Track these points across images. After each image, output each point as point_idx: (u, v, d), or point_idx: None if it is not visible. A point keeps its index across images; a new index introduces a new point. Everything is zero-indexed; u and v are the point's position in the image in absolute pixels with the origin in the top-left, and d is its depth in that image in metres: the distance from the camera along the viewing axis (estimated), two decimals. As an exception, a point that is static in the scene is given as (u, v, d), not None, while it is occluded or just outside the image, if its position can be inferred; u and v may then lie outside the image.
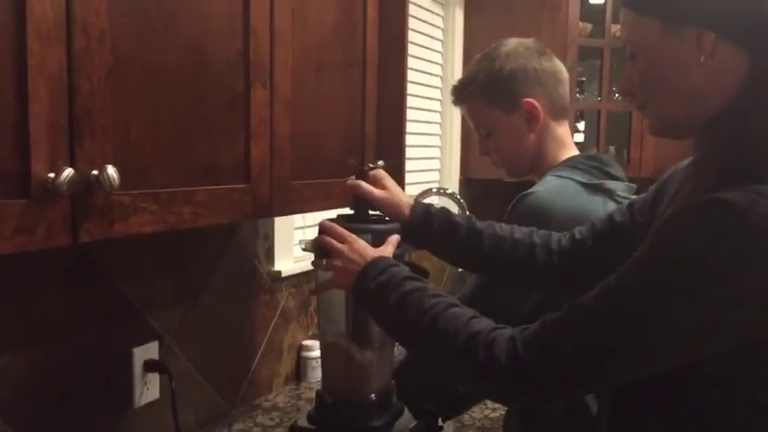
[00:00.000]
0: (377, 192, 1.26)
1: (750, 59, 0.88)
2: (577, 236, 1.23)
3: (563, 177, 1.40)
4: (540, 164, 1.50)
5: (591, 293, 0.89)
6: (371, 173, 1.29)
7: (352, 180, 1.27)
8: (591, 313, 0.87)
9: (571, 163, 1.44)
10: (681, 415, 0.92)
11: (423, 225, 1.25)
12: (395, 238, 1.16)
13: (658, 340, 0.84)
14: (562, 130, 1.51)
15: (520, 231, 1.26)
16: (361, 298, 1.08)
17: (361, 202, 1.26)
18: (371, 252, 1.10)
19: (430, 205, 1.28)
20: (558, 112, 1.49)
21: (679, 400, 0.92)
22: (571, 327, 0.88)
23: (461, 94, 1.52)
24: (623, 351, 0.86)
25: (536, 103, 1.45)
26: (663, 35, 0.92)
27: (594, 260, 1.20)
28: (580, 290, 1.28)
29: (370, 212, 1.28)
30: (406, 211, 1.26)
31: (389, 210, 1.26)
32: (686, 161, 1.04)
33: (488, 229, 1.25)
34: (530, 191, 1.37)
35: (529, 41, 1.51)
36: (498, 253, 1.24)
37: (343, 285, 1.11)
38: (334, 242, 1.12)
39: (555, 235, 1.26)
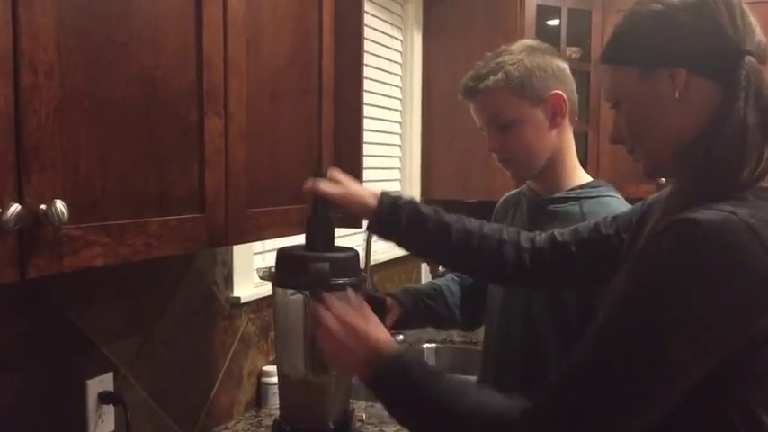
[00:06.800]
0: (336, 189, 1.23)
1: (719, 88, 0.94)
2: (559, 238, 1.24)
3: None
4: (552, 165, 1.45)
5: (582, 346, 0.89)
6: (328, 172, 1.26)
7: (309, 182, 1.25)
8: (591, 367, 0.88)
9: None
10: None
11: (390, 217, 1.22)
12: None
13: (660, 374, 0.85)
14: (572, 135, 1.48)
15: (489, 227, 1.26)
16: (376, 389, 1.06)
17: (321, 203, 1.23)
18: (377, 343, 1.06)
19: (398, 197, 1.25)
20: (572, 114, 1.47)
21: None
22: (576, 387, 0.88)
23: (483, 83, 1.43)
24: (635, 394, 0.86)
25: (564, 96, 1.42)
26: (640, 80, 0.99)
27: (575, 265, 1.22)
28: (552, 289, 1.30)
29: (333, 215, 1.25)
30: (372, 203, 1.23)
31: (352, 206, 1.23)
32: (668, 189, 1.08)
33: (457, 223, 1.24)
34: None
35: (537, 42, 1.50)
36: (466, 247, 1.24)
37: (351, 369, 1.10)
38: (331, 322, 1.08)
39: (524, 233, 1.27)
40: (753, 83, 0.92)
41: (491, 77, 1.42)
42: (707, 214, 0.84)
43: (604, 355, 0.87)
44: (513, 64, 1.41)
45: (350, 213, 1.26)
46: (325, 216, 1.24)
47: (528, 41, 1.50)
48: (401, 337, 2.61)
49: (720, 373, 0.86)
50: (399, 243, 1.28)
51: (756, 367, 0.87)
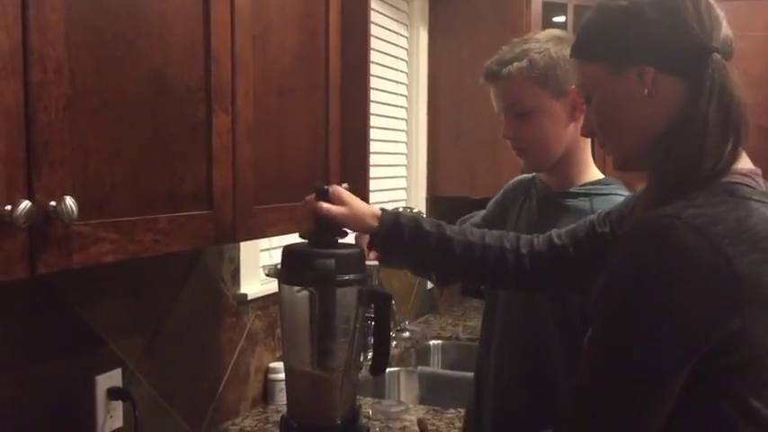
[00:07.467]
0: (336, 209, 1.23)
1: (686, 85, 0.95)
2: (557, 241, 1.24)
3: None
4: (566, 160, 1.44)
5: (582, 364, 0.92)
6: (330, 190, 1.25)
7: (310, 202, 1.25)
8: (597, 386, 0.91)
9: None
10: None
11: (392, 236, 1.23)
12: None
13: (646, 384, 0.87)
14: None
15: (490, 236, 1.27)
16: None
17: (323, 222, 1.23)
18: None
19: (399, 214, 1.25)
20: None
21: None
22: (591, 409, 0.91)
23: (506, 69, 1.40)
24: (646, 400, 0.88)
25: None
26: (609, 76, 1.00)
27: (575, 266, 1.23)
28: (555, 290, 1.32)
29: (336, 236, 1.26)
30: (373, 222, 1.23)
31: (353, 224, 1.24)
32: None
33: (459, 236, 1.25)
34: None
35: (564, 33, 1.47)
36: (470, 259, 1.24)
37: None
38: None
39: (524, 238, 1.27)
40: (717, 80, 0.92)
41: (515, 64, 1.40)
42: (651, 223, 0.86)
43: (600, 372, 0.90)
44: (538, 52, 1.39)
45: (352, 230, 1.27)
46: (326, 234, 1.24)
47: (556, 31, 1.47)
48: (407, 333, 2.61)
49: (705, 365, 0.87)
50: (402, 261, 1.29)
51: (740, 357, 0.88)
